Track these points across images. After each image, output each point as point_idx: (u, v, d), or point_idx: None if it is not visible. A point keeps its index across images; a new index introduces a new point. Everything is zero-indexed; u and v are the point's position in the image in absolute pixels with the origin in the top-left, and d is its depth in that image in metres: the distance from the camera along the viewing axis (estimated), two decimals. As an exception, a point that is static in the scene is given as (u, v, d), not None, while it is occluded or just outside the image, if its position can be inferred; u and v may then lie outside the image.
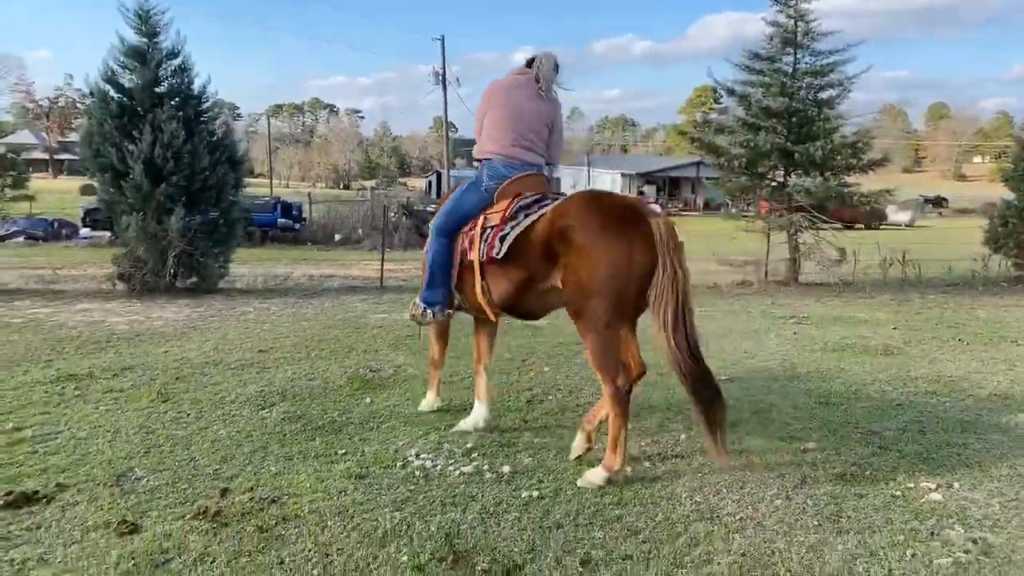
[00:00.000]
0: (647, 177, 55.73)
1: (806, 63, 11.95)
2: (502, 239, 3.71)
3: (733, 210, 13.74)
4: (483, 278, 3.85)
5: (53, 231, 25.15)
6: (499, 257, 3.71)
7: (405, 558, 2.75)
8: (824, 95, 11.99)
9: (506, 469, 3.62)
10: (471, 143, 5.44)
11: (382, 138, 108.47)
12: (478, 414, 4.26)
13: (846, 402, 4.92)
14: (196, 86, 10.45)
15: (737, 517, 3.14)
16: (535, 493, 3.34)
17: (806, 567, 2.74)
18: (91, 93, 10.26)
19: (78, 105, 73.73)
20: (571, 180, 58.62)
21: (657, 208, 48.27)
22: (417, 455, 3.80)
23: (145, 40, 10.14)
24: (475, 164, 4.24)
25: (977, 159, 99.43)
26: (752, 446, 4.04)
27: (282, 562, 2.71)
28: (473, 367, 4.46)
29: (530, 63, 4.10)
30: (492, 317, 4.04)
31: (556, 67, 4.08)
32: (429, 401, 4.61)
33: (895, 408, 4.81)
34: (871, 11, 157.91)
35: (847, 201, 12.00)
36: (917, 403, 4.93)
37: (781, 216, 11.90)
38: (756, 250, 12.50)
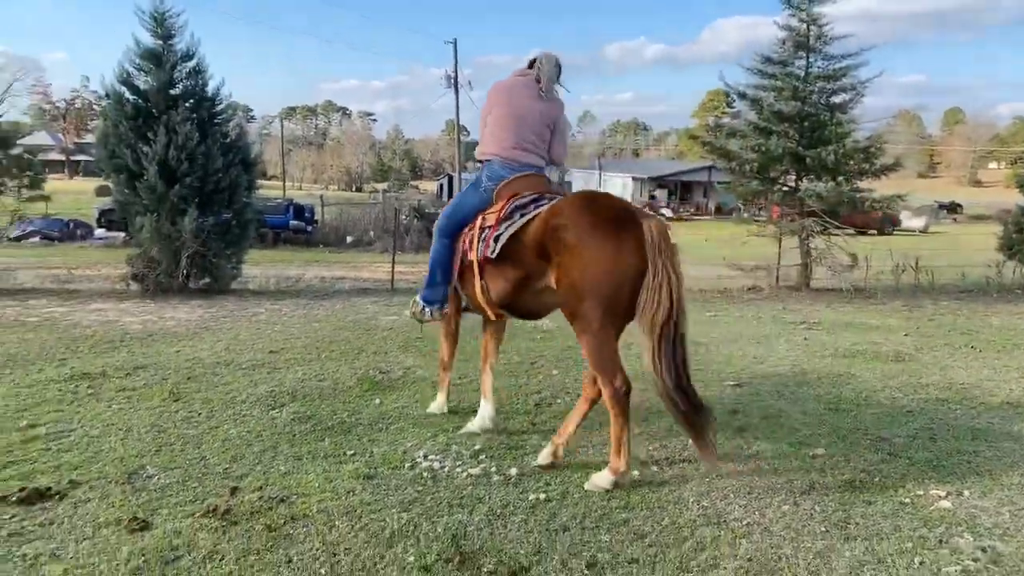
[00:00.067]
0: (659, 181, 55.61)
1: (818, 67, 11.90)
2: (496, 239, 3.75)
3: (745, 215, 13.66)
4: (481, 277, 3.89)
5: (68, 231, 25.36)
6: (493, 257, 3.76)
7: (412, 558, 2.77)
8: (837, 99, 11.93)
9: (513, 471, 3.63)
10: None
11: (394, 141, 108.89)
12: (484, 413, 4.29)
13: (856, 408, 4.90)
14: (210, 88, 10.54)
15: (744, 522, 3.13)
16: (542, 496, 3.35)
17: (813, 573, 2.73)
18: (107, 95, 10.36)
19: (94, 107, 74.57)
20: (582, 183, 58.63)
21: (667, 211, 48.07)
22: (425, 456, 3.82)
23: (160, 42, 10.24)
24: (477, 165, 4.27)
25: (993, 165, 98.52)
26: (760, 451, 4.03)
27: (290, 561, 2.74)
28: (484, 371, 4.47)
29: (532, 64, 4.12)
30: (492, 316, 4.09)
31: (558, 68, 4.11)
32: (439, 403, 4.62)
33: (905, 415, 4.78)
34: (889, 13, 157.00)
35: (859, 206, 11.92)
36: (928, 410, 4.90)
37: (793, 221, 11.85)
38: (767, 255, 12.46)
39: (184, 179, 9.74)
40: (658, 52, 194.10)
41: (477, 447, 3.97)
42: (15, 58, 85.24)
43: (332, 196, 46.68)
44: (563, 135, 4.21)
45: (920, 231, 38.57)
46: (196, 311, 8.62)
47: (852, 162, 11.48)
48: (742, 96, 12.54)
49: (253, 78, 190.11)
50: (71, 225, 25.85)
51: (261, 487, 3.38)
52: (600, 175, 56.74)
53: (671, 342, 3.34)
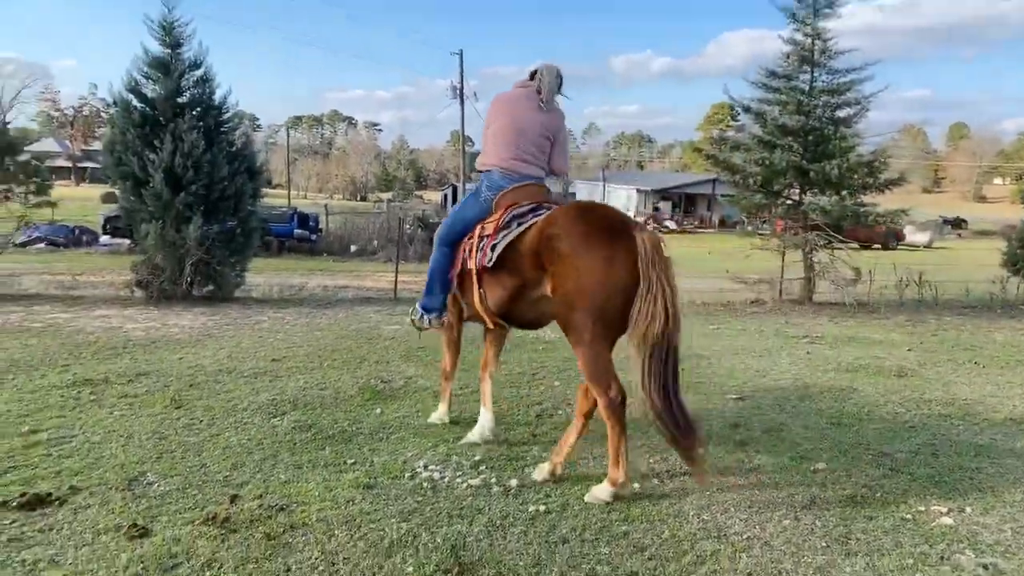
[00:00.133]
0: (663, 193, 55.66)
1: (823, 81, 11.91)
2: (493, 248, 3.78)
3: (749, 228, 13.65)
4: (480, 286, 3.92)
5: (74, 238, 25.50)
6: (490, 265, 3.78)
7: (411, 569, 2.76)
8: (841, 113, 11.95)
9: (513, 483, 3.63)
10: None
11: (399, 151, 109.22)
12: (484, 422, 4.30)
13: (858, 423, 4.89)
14: (217, 97, 10.61)
15: (744, 536, 3.12)
16: (542, 507, 3.35)
17: (813, 588, 2.72)
18: (114, 103, 10.43)
19: (102, 114, 75.18)
20: (587, 195, 58.74)
21: (671, 223, 48.01)
22: (425, 467, 3.82)
23: (168, 51, 10.30)
24: (478, 175, 4.30)
25: (998, 180, 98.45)
26: (762, 465, 4.01)
27: (288, 570, 2.74)
28: (483, 378, 4.47)
29: (533, 75, 4.15)
30: (491, 324, 4.11)
31: (559, 79, 4.13)
32: (440, 413, 4.63)
33: (908, 430, 4.77)
34: (893, 28, 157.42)
35: (863, 220, 11.91)
36: (930, 426, 4.88)
37: (796, 234, 11.85)
38: (771, 268, 12.45)
39: (190, 187, 9.78)
40: (664, 65, 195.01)
41: (477, 458, 3.97)
42: (24, 65, 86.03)
43: (337, 205, 46.78)
44: (564, 146, 4.22)
45: (924, 246, 38.51)
46: (199, 318, 8.64)
47: (856, 176, 11.47)
48: (747, 110, 12.56)
49: (260, 87, 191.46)
50: (76, 231, 25.99)
51: (261, 495, 3.38)
52: (604, 187, 56.81)
53: (662, 359, 3.30)
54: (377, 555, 2.87)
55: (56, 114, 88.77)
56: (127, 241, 18.24)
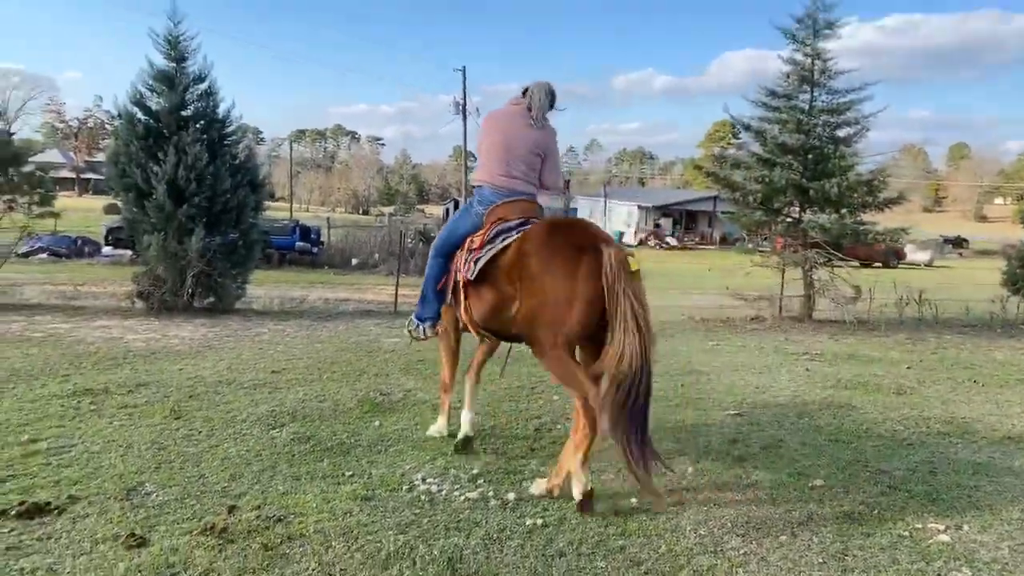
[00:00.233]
0: (664, 210, 55.81)
1: (823, 101, 11.99)
2: (476, 261, 3.87)
3: (750, 245, 13.68)
4: (465, 298, 4.00)
5: (76, 248, 25.58)
6: (472, 279, 3.88)
7: (407, 581, 2.76)
8: (841, 133, 12.02)
9: (511, 496, 3.63)
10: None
11: (402, 165, 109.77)
12: (465, 419, 4.45)
13: (856, 440, 4.89)
14: (221, 110, 10.71)
15: (741, 552, 3.12)
16: (539, 521, 3.35)
17: (809, 604, 2.72)
18: (119, 115, 10.54)
19: (106, 126, 75.55)
20: (588, 211, 58.86)
21: (672, 240, 47.99)
22: (423, 479, 3.82)
23: (173, 65, 10.41)
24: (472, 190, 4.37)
25: (999, 200, 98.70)
26: (759, 481, 4.02)
27: (285, 580, 2.74)
28: (469, 376, 4.58)
29: (526, 92, 4.20)
30: (476, 336, 4.22)
31: (550, 96, 4.18)
32: (439, 426, 4.64)
33: (906, 448, 4.77)
34: (892, 49, 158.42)
35: (862, 238, 11.95)
36: (929, 443, 4.88)
37: (796, 252, 11.88)
38: (771, 285, 12.47)
39: (192, 199, 9.85)
40: (666, 83, 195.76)
41: (475, 471, 3.98)
42: (30, 76, 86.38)
43: (339, 218, 46.92)
44: (555, 162, 4.28)
45: (925, 265, 38.57)
46: (200, 330, 8.66)
47: (855, 195, 11.51)
48: (747, 128, 12.63)
49: (264, 101, 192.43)
50: (79, 242, 26.08)
51: (259, 506, 3.39)
52: (606, 203, 56.97)
53: (629, 388, 3.27)
54: (374, 567, 2.87)
55: (61, 125, 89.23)
56: (129, 252, 18.28)
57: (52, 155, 73.09)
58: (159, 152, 9.93)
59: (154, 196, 9.77)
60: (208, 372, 6.25)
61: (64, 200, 15.68)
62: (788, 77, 12.14)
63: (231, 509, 3.33)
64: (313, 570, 2.82)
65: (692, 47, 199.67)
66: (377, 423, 4.86)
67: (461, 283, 4.01)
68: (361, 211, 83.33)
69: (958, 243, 55.38)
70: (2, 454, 3.96)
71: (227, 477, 3.75)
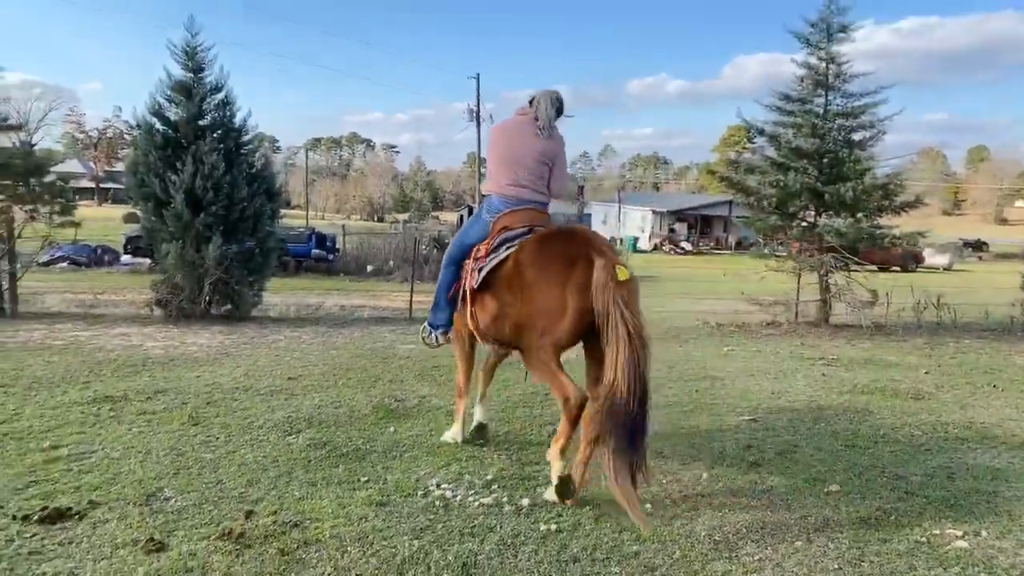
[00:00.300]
0: (679, 215, 55.67)
1: (837, 104, 11.90)
2: (480, 271, 3.95)
3: (766, 250, 13.60)
4: (472, 306, 4.06)
5: (96, 257, 25.89)
6: (476, 287, 3.97)
7: (422, 586, 2.78)
8: (856, 136, 11.93)
9: (525, 502, 3.64)
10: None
11: (416, 173, 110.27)
12: (476, 412, 4.63)
13: (873, 446, 4.85)
14: (237, 120, 10.81)
15: (756, 557, 3.12)
16: (553, 526, 3.36)
17: (824, 610, 2.71)
18: (138, 125, 10.67)
19: (125, 136, 76.44)
20: (603, 216, 58.86)
21: (687, 245, 47.78)
22: (438, 485, 3.84)
23: (191, 75, 10.54)
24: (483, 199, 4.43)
25: (1019, 203, 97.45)
26: (774, 486, 4.00)
27: (302, 585, 2.76)
28: (483, 370, 4.72)
29: (532, 101, 4.24)
30: (483, 343, 4.29)
31: (556, 105, 4.21)
32: (454, 432, 4.65)
33: (923, 453, 4.73)
34: (908, 51, 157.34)
35: (879, 242, 11.85)
36: (947, 448, 4.84)
37: (812, 256, 11.80)
38: (787, 290, 12.39)
39: (210, 207, 9.96)
40: (680, 88, 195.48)
41: (489, 477, 3.99)
42: (51, 88, 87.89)
43: (354, 226, 47.21)
44: (562, 170, 4.31)
45: (944, 269, 38.16)
46: (217, 337, 8.75)
47: (871, 199, 11.42)
48: (761, 132, 12.58)
49: (281, 110, 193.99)
50: (98, 251, 26.40)
51: (276, 511, 3.42)
52: (620, 208, 56.90)
53: (632, 376, 3.29)
54: (389, 572, 2.89)
55: (81, 136, 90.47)
56: (148, 260, 18.51)
57: (72, 165, 74.03)
58: (177, 162, 10.05)
59: (172, 205, 9.90)
60: (225, 379, 6.32)
61: (84, 210, 15.88)
62: (802, 81, 12.07)
63: (248, 514, 3.36)
64: (329, 575, 2.85)
65: (705, 51, 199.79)
66: (392, 429, 4.89)
67: (468, 292, 4.07)
68: (376, 218, 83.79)
69: (978, 246, 54.74)
70: (24, 460, 4.03)
71: (244, 483, 3.79)
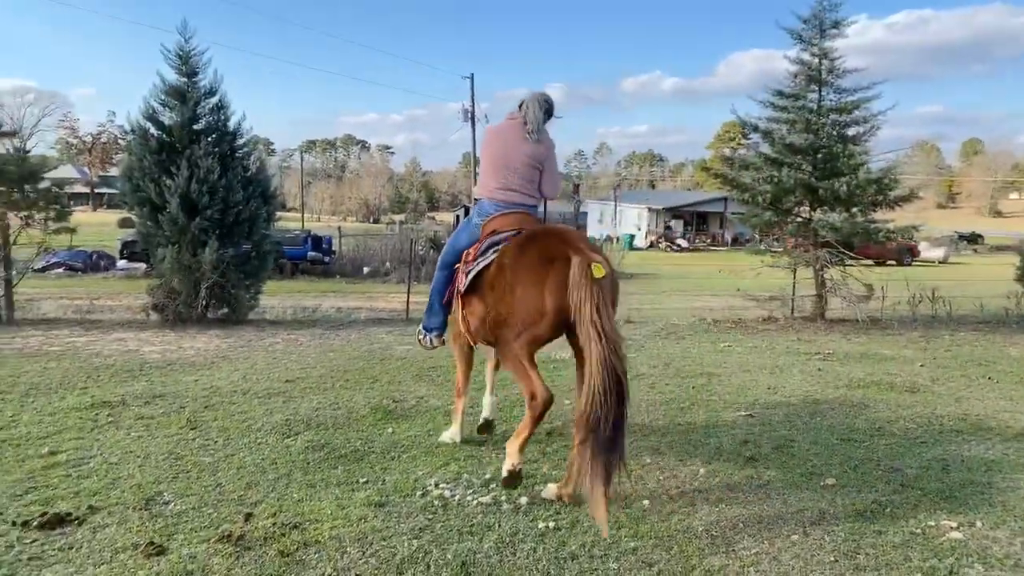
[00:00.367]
0: (675, 212, 55.70)
1: (831, 100, 11.95)
2: (468, 274, 4.00)
3: (762, 246, 13.64)
4: (463, 309, 4.10)
5: (92, 262, 25.88)
6: (463, 291, 4.02)
7: (421, 585, 2.80)
8: (850, 132, 11.97)
9: (523, 500, 3.66)
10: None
11: (412, 173, 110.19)
12: (486, 402, 4.77)
13: (868, 439, 4.88)
14: (232, 123, 10.84)
15: (753, 551, 3.14)
16: (551, 524, 3.38)
17: (820, 602, 2.73)
18: (132, 130, 10.68)
19: (119, 141, 76.31)
20: (599, 214, 58.90)
21: (683, 242, 47.76)
22: (436, 485, 3.86)
23: (185, 80, 10.55)
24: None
25: (1014, 195, 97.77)
26: (771, 480, 4.03)
27: (301, 586, 2.78)
28: (489, 364, 4.84)
29: (521, 105, 4.25)
30: (474, 345, 4.34)
31: (545, 107, 4.23)
32: (452, 432, 4.67)
33: (919, 445, 4.76)
34: (903, 46, 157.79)
35: (873, 237, 11.89)
36: (942, 441, 4.87)
37: (807, 252, 11.84)
38: (783, 286, 12.44)
39: (205, 211, 9.97)
40: (674, 85, 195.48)
41: (488, 476, 4.01)
42: (45, 93, 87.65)
43: (350, 227, 47.21)
44: (552, 172, 4.33)
45: (940, 262, 38.27)
46: (214, 341, 8.75)
47: (865, 193, 11.46)
48: (755, 129, 12.61)
49: (275, 112, 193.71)
50: (94, 256, 26.40)
51: (275, 513, 3.43)
52: (616, 206, 56.94)
53: (607, 370, 3.29)
54: (389, 571, 2.91)
55: (75, 141, 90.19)
56: (144, 265, 18.47)
57: (66, 170, 73.74)
58: (172, 166, 10.06)
59: (168, 209, 9.90)
60: (223, 382, 6.33)
61: (79, 215, 15.88)
62: (795, 77, 12.11)
63: (247, 517, 3.38)
64: (329, 575, 2.86)
65: (700, 49, 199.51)
66: (390, 430, 4.90)
67: (458, 295, 4.13)
68: (372, 220, 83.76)
69: (973, 239, 54.90)
70: (23, 466, 4.04)
71: (243, 485, 3.81)
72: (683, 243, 49.81)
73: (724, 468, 4.23)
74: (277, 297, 13.83)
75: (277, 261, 13.76)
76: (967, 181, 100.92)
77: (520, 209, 4.19)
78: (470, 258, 4.08)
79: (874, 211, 11.95)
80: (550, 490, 3.73)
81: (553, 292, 3.49)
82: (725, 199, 43.64)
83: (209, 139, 10.43)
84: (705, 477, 4.08)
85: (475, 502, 3.64)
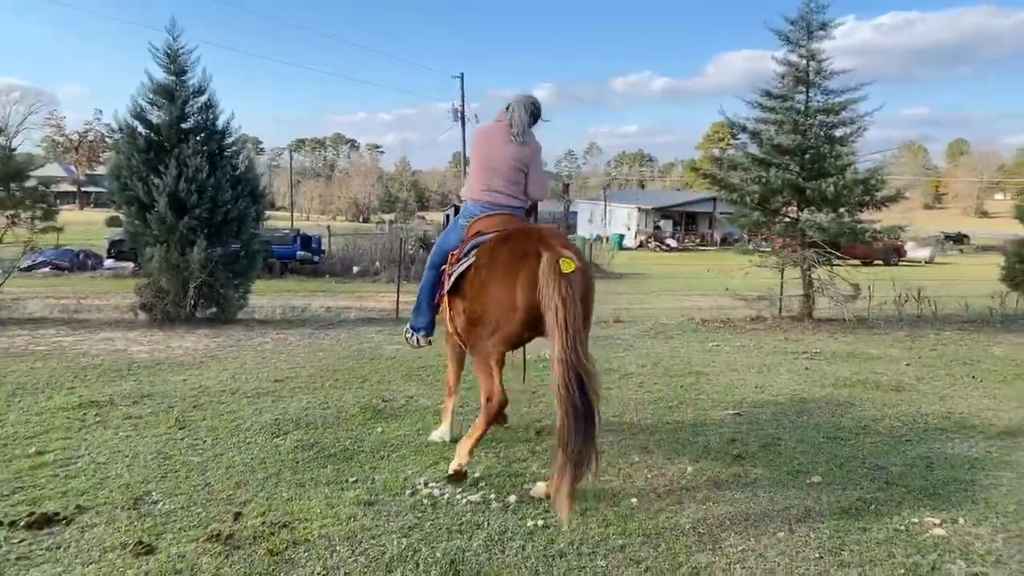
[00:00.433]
0: (664, 212, 55.91)
1: (818, 101, 12.04)
2: (451, 275, 4.05)
3: (750, 246, 13.72)
4: (450, 309, 4.14)
5: (79, 262, 25.66)
6: (446, 293, 4.09)
7: (410, 583, 2.81)
8: (837, 132, 12.06)
9: (512, 499, 3.68)
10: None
11: (401, 173, 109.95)
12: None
13: (854, 437, 4.93)
14: (220, 122, 10.77)
15: (739, 548, 3.17)
16: (540, 522, 3.40)
17: (805, 598, 2.76)
18: (120, 129, 10.60)
19: (106, 139, 75.76)
20: (588, 214, 59.02)
21: (672, 241, 47.87)
22: (426, 483, 3.87)
23: (173, 78, 10.49)
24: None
25: (999, 196, 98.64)
26: (758, 478, 4.06)
27: (291, 584, 2.79)
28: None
29: (508, 108, 4.29)
30: (463, 345, 4.32)
31: (531, 110, 4.27)
32: (442, 431, 4.68)
33: (903, 444, 4.82)
34: (887, 47, 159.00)
35: (860, 237, 11.99)
36: (926, 439, 4.93)
37: (794, 252, 11.93)
38: (771, 285, 12.52)
39: (193, 210, 9.92)
40: (664, 85, 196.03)
41: (477, 475, 4.02)
42: (31, 91, 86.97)
43: (339, 227, 47.06)
44: (538, 175, 4.37)
45: (926, 262, 38.59)
46: (203, 340, 8.72)
47: (852, 194, 11.55)
48: (743, 129, 12.69)
49: (264, 111, 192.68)
50: (81, 255, 26.17)
51: (264, 513, 3.44)
52: (606, 206, 57.05)
53: (570, 364, 3.31)
54: (378, 570, 2.92)
55: (61, 139, 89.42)
56: (131, 264, 18.39)
57: (53, 169, 73.34)
58: (160, 165, 10.00)
59: (156, 208, 9.84)
60: (212, 382, 6.31)
61: (66, 214, 15.78)
62: (783, 78, 12.19)
63: (236, 516, 3.38)
64: (318, 574, 2.87)
65: (690, 49, 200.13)
66: (380, 429, 4.91)
67: (445, 295, 4.16)
68: (362, 219, 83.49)
69: (959, 239, 55.41)
70: (10, 466, 4.02)
71: (232, 485, 3.81)
72: (672, 243, 50.01)
73: (711, 466, 4.27)
74: (266, 296, 13.77)
75: (266, 260, 13.70)
76: (953, 182, 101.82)
77: (505, 211, 4.22)
78: (455, 259, 4.12)
79: (861, 211, 12.04)
80: (539, 489, 3.76)
81: (524, 288, 3.52)
82: (714, 199, 43.87)
83: (198, 138, 10.38)
84: (693, 475, 4.12)
85: (464, 501, 3.66)
